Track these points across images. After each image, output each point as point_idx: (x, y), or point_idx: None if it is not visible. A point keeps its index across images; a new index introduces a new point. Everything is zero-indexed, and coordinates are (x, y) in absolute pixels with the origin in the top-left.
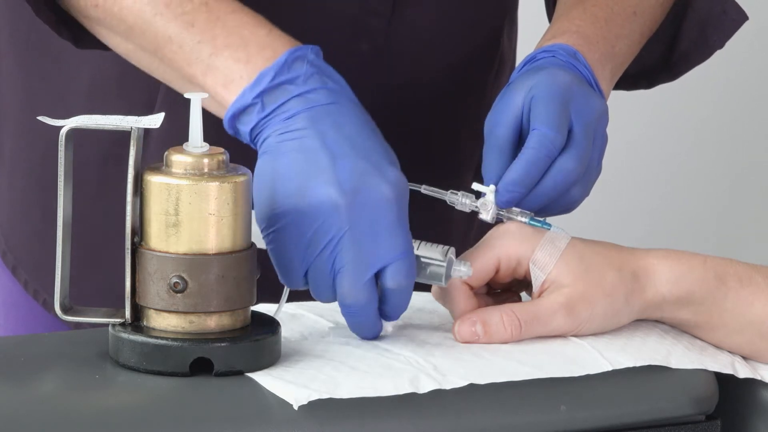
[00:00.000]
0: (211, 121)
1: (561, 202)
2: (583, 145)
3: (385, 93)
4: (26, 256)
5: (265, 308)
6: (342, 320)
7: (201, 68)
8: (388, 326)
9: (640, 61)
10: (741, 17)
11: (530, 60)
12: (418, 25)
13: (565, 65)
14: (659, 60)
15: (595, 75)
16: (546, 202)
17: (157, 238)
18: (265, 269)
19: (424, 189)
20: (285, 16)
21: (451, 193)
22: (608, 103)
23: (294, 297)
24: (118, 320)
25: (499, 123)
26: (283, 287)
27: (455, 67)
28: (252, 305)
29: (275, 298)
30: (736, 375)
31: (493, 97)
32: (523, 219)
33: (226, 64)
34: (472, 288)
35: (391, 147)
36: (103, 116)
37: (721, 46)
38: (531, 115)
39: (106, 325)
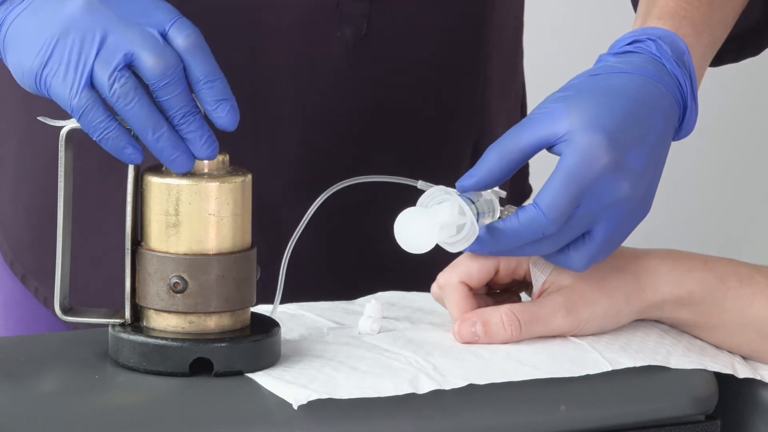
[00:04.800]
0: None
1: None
2: (569, 229)
3: (370, 83)
4: (29, 256)
5: (264, 309)
6: (342, 320)
7: None
8: (375, 325)
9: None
10: None
11: (629, 45)
12: (399, 9)
13: (662, 74)
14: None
15: (695, 84)
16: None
17: (157, 238)
18: (265, 269)
19: (421, 184)
20: (266, 3)
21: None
22: None
23: (294, 297)
24: (118, 320)
25: (524, 133)
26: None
27: (440, 54)
28: (252, 305)
29: (274, 299)
30: (736, 375)
31: (484, 86)
32: None
33: None
34: (471, 288)
35: (379, 139)
36: None
37: None
38: (545, 184)
39: (106, 325)
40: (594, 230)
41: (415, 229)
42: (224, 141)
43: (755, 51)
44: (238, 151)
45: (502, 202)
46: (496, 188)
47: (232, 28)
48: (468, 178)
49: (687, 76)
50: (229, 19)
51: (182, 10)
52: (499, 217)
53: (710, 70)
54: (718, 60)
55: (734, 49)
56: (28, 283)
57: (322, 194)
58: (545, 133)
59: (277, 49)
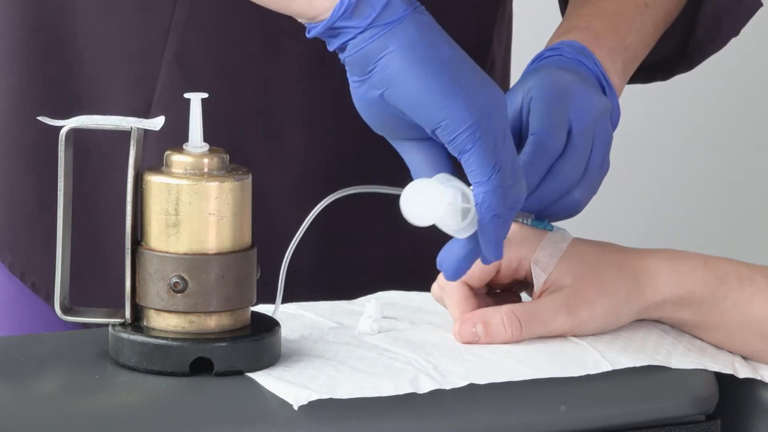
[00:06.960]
0: (210, 121)
1: (562, 206)
2: (580, 148)
3: None
4: (16, 239)
5: (264, 308)
6: (342, 320)
7: None
8: (375, 325)
9: (657, 52)
10: (755, 4)
11: (537, 59)
12: None
13: (571, 62)
14: (675, 50)
15: (604, 69)
16: (543, 206)
17: (157, 238)
18: (265, 269)
19: None
20: (272, 20)
21: None
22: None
23: (293, 297)
24: (118, 320)
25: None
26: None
27: None
28: (252, 305)
29: (274, 299)
30: (736, 375)
31: None
32: (525, 221)
33: None
34: (472, 288)
35: (384, 152)
36: (103, 116)
37: (736, 34)
38: (529, 118)
39: (106, 325)
40: (593, 147)
41: (423, 199)
42: (230, 140)
43: (664, 77)
44: (245, 150)
45: None
46: None
47: (243, 27)
48: None
49: (592, 62)
50: (242, 18)
51: (198, 6)
52: None
53: (713, 69)
54: (640, 79)
55: (646, 74)
56: (7, 262)
57: (323, 201)
58: (513, 107)
59: (288, 50)
